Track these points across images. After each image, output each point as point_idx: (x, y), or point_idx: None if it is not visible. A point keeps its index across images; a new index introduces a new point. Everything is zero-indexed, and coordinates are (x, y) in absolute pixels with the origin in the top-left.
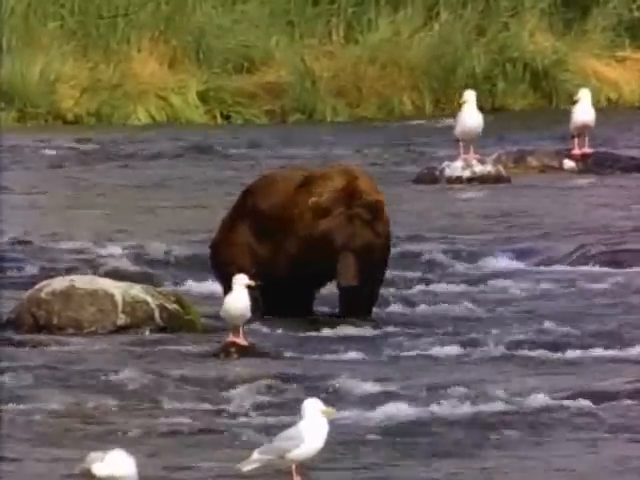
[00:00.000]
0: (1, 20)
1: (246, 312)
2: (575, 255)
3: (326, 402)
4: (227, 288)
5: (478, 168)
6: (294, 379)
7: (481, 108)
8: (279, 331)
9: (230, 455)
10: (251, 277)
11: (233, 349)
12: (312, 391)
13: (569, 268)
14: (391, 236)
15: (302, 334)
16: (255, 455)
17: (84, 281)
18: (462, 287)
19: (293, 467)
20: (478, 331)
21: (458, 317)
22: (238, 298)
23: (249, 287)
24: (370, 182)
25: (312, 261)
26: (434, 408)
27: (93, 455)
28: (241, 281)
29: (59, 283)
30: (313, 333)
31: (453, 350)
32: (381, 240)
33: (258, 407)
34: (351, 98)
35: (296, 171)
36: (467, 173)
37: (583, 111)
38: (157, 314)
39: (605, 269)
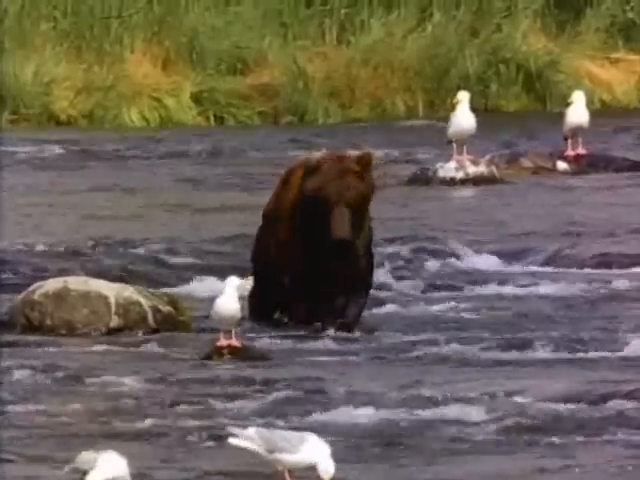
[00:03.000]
0: None
1: (236, 314)
2: (568, 256)
3: (320, 404)
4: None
5: (471, 169)
6: (286, 381)
7: (474, 109)
8: (272, 332)
9: (223, 457)
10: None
11: (225, 351)
12: (305, 393)
13: (562, 270)
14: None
15: (296, 336)
16: (251, 432)
17: (77, 283)
18: (455, 288)
19: (285, 470)
20: (471, 333)
21: (452, 319)
22: (228, 300)
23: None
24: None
25: (310, 228)
26: (430, 411)
27: (83, 454)
28: (232, 283)
29: (52, 285)
30: (307, 335)
31: (446, 352)
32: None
33: (250, 409)
34: (344, 99)
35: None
36: (460, 174)
37: (577, 113)
38: (150, 316)
39: (599, 270)
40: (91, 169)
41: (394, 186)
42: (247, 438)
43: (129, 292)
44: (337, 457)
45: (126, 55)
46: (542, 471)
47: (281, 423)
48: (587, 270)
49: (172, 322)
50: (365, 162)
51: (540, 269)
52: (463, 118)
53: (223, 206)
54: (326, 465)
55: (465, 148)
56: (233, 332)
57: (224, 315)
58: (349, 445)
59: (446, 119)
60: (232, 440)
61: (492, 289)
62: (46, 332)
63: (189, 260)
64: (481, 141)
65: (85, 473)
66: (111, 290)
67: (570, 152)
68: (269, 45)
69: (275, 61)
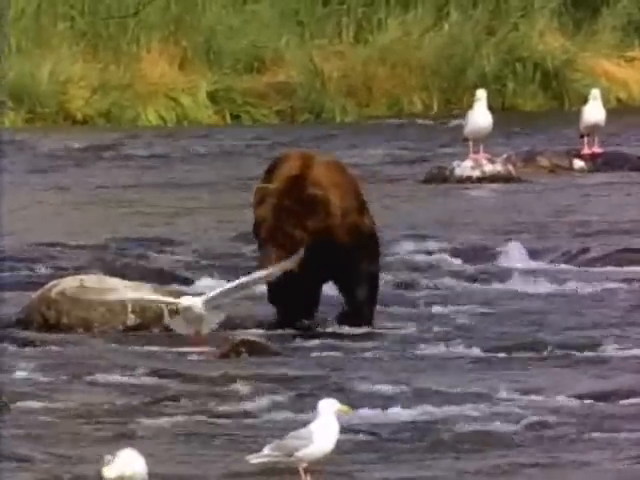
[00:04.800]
0: (4, 21)
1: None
2: (585, 254)
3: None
4: None
5: (488, 168)
6: (303, 378)
7: (491, 108)
8: (289, 331)
9: (240, 454)
10: None
11: (243, 348)
12: (321, 390)
13: (579, 267)
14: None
15: (311, 334)
16: (266, 451)
17: (94, 281)
18: (471, 286)
19: (301, 467)
20: (487, 330)
21: (466, 316)
22: None
23: None
24: (327, 171)
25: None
26: (440, 409)
27: (108, 458)
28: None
29: (69, 283)
30: (323, 333)
31: (462, 348)
32: (311, 236)
33: (267, 406)
34: (361, 98)
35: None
36: (477, 173)
37: (593, 111)
38: (166, 314)
39: (615, 268)
40: (108, 167)
41: (411, 184)
42: (263, 457)
43: (145, 290)
44: (352, 454)
45: (142, 54)
46: (557, 467)
47: (298, 418)
48: (604, 268)
49: None
50: (307, 204)
51: (558, 267)
52: (480, 116)
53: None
54: (334, 421)
55: (482, 146)
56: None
57: None
58: (364, 441)
59: (463, 117)
60: (254, 461)
61: (508, 286)
62: (62, 330)
63: (206, 258)
64: (498, 139)
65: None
66: (127, 288)
67: (586, 150)
68: (286, 44)
69: (292, 60)
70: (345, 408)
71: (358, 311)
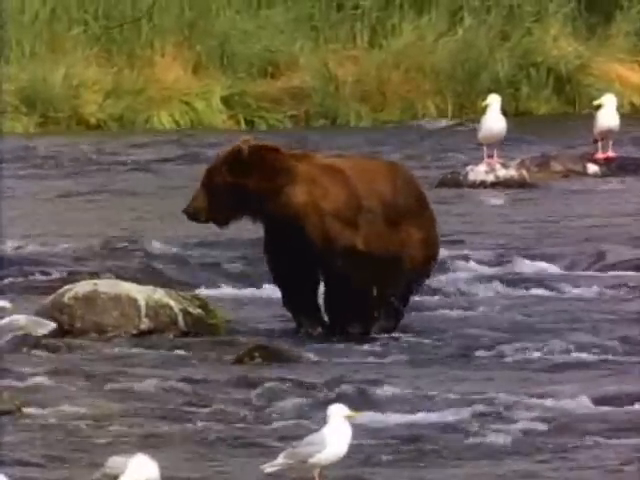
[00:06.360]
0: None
1: None
2: (599, 260)
3: (349, 406)
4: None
5: (502, 172)
6: (318, 384)
7: (505, 112)
8: (303, 336)
9: (254, 460)
10: None
11: (257, 353)
12: (335, 395)
13: (593, 273)
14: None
15: (325, 338)
16: (280, 459)
17: (107, 285)
18: (484, 292)
19: (316, 473)
20: (500, 336)
21: (480, 322)
22: None
23: None
24: (317, 170)
25: None
26: (452, 413)
27: (114, 459)
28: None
29: (82, 287)
30: (336, 337)
31: (478, 355)
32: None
33: (282, 412)
34: (375, 103)
35: None
36: (491, 177)
37: (607, 115)
38: (180, 318)
39: (629, 273)
40: (119, 172)
41: (424, 189)
42: (277, 465)
43: (159, 295)
44: (369, 459)
45: (156, 59)
46: (572, 469)
47: (313, 424)
48: (619, 272)
49: (202, 325)
50: (227, 156)
51: (572, 272)
52: (493, 121)
53: None
54: (345, 425)
55: (495, 151)
56: None
57: None
58: (381, 447)
59: (477, 122)
60: (268, 470)
61: (523, 292)
62: (76, 335)
63: (219, 263)
64: (511, 144)
65: (115, 478)
66: (141, 293)
67: (600, 155)
68: (300, 49)
69: (306, 65)
70: (351, 413)
71: (338, 316)
